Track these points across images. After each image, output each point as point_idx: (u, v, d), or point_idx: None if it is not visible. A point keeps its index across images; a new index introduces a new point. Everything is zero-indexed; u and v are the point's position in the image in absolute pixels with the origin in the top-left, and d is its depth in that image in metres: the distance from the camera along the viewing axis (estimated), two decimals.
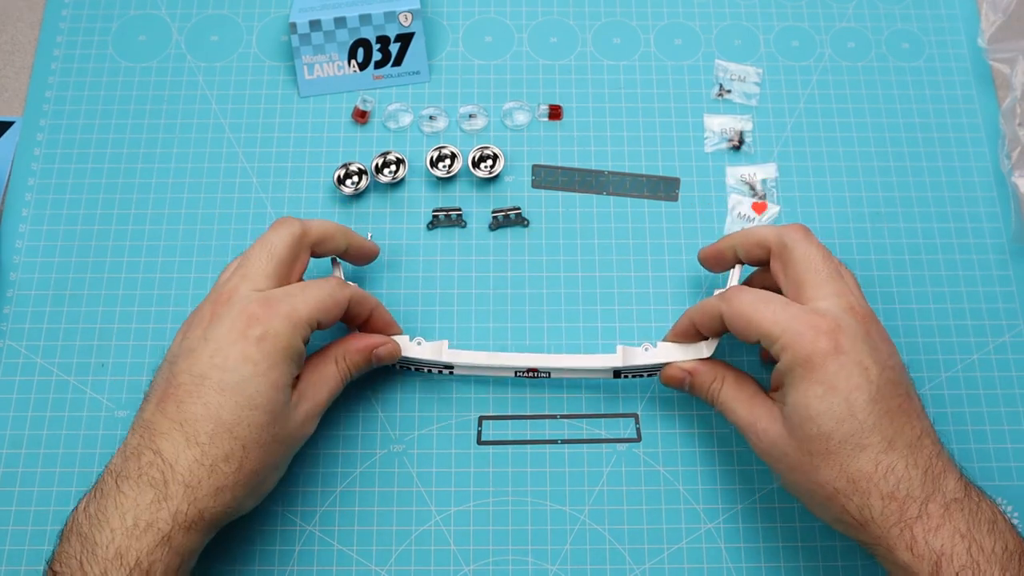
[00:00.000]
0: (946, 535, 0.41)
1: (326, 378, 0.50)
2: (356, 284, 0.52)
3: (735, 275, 0.55)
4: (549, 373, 0.55)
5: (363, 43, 0.64)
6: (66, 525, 0.44)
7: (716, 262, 0.54)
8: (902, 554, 0.42)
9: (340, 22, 0.63)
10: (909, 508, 0.42)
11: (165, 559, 0.42)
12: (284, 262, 0.49)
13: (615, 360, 0.53)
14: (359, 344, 0.51)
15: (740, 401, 0.49)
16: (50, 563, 0.43)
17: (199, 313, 0.48)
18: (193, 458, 0.43)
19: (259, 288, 0.47)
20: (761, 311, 0.46)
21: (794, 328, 0.45)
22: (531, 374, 0.55)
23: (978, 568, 0.41)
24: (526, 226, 0.60)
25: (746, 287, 0.49)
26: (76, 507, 0.44)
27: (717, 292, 0.50)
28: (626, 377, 0.56)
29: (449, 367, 0.55)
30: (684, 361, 0.52)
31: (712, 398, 0.51)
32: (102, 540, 0.42)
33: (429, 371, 0.56)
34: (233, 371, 0.45)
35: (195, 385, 0.45)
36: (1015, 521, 0.53)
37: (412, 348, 0.54)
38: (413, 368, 0.56)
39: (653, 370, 0.55)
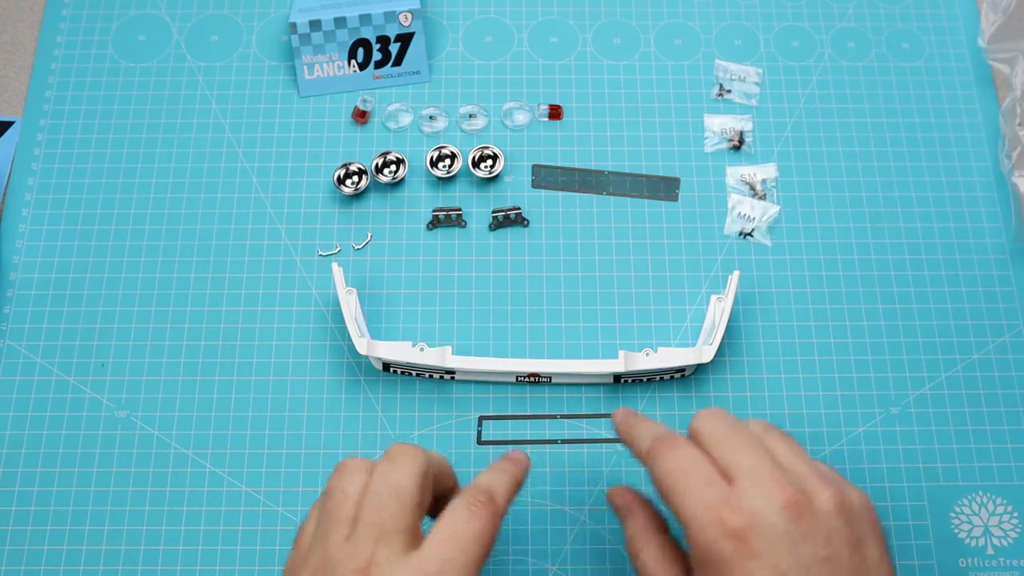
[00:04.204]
0: None
1: None
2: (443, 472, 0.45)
3: (733, 281, 0.55)
4: (551, 378, 0.55)
5: (363, 43, 0.64)
6: None
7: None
8: None
9: (340, 22, 0.63)
10: None
11: None
12: (418, 509, 0.40)
13: (617, 365, 0.53)
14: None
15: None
16: None
17: None
18: None
19: (401, 552, 0.39)
20: (679, 485, 0.39)
21: (701, 520, 0.38)
22: (532, 379, 0.55)
23: None
24: (526, 226, 0.60)
25: (683, 441, 0.41)
26: None
27: (656, 432, 0.43)
28: (626, 382, 0.56)
29: (451, 372, 0.55)
30: (625, 494, 0.46)
31: (633, 553, 0.43)
32: None
33: (431, 376, 0.56)
34: None
35: None
36: (1015, 521, 0.53)
37: (414, 354, 0.54)
38: (414, 373, 0.56)
39: (654, 375, 0.55)
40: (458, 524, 0.39)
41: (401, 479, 0.40)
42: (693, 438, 0.42)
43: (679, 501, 0.39)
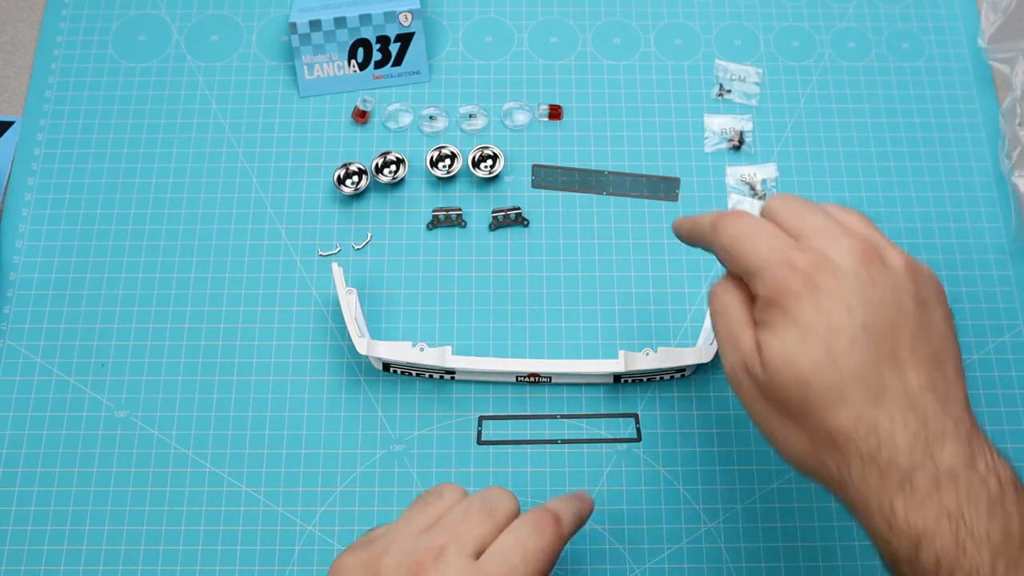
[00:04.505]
0: (930, 513, 0.36)
1: None
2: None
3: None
4: (551, 378, 0.55)
5: (363, 43, 0.64)
6: None
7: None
8: (880, 525, 0.37)
9: (340, 22, 0.63)
10: (890, 476, 0.36)
11: None
12: (498, 531, 0.42)
13: (617, 365, 0.53)
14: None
15: (735, 319, 0.41)
16: None
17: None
18: None
19: (470, 553, 0.40)
20: (746, 242, 0.40)
21: (771, 262, 0.39)
22: (532, 379, 0.55)
23: (964, 553, 0.35)
24: (526, 226, 0.60)
25: (744, 212, 0.42)
26: None
27: (713, 214, 0.43)
28: (626, 382, 0.56)
29: (451, 372, 0.55)
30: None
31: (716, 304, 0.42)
32: None
33: (431, 376, 0.56)
34: None
35: None
36: None
37: (414, 354, 0.54)
38: (414, 373, 0.56)
39: (654, 375, 0.55)
40: (524, 535, 0.41)
41: (494, 500, 0.42)
42: (766, 216, 0.42)
43: (747, 253, 0.40)
